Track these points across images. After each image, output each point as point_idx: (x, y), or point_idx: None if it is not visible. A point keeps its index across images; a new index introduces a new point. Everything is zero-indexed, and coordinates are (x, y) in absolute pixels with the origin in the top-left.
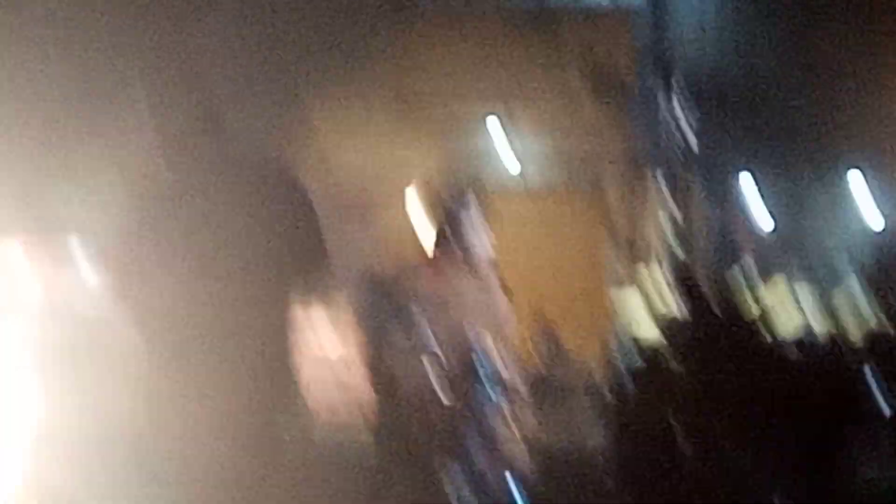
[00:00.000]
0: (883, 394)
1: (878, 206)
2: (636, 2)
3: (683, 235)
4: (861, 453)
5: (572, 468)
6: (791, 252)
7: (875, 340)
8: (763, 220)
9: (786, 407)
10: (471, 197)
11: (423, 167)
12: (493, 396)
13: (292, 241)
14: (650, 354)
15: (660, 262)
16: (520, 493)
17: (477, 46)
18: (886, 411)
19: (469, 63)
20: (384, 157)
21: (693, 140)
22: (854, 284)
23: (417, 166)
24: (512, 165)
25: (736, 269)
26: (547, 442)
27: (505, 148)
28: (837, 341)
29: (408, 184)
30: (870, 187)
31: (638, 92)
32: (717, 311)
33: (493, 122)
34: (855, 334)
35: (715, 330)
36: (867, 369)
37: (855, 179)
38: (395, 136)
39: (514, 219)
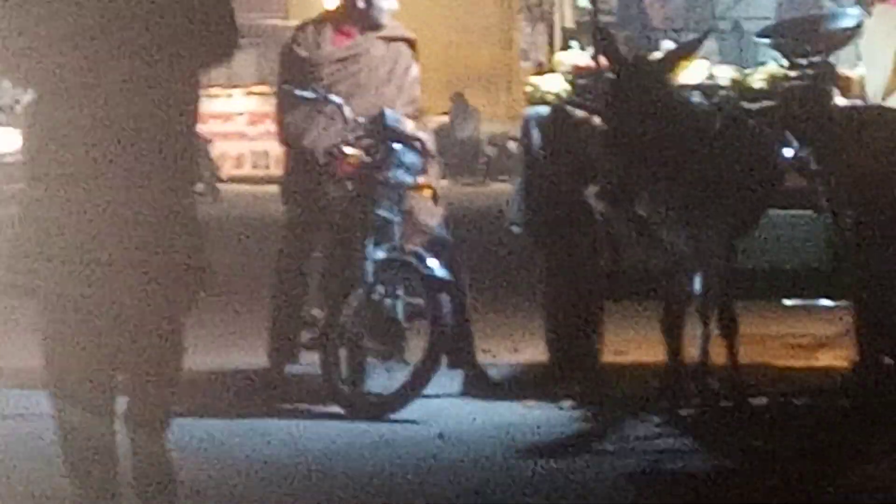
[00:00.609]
0: (788, 140)
1: None
2: None
3: (597, 9)
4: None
5: (480, 219)
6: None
7: (776, 86)
8: None
9: (694, 155)
10: None
11: None
12: (402, 153)
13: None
14: (559, 109)
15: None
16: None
17: None
18: (790, 153)
19: None
20: None
21: None
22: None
23: None
24: None
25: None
26: (455, 193)
27: None
28: (740, 88)
29: None
30: None
31: None
32: (629, 66)
33: None
34: (760, 83)
35: (626, 83)
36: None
37: None
38: None
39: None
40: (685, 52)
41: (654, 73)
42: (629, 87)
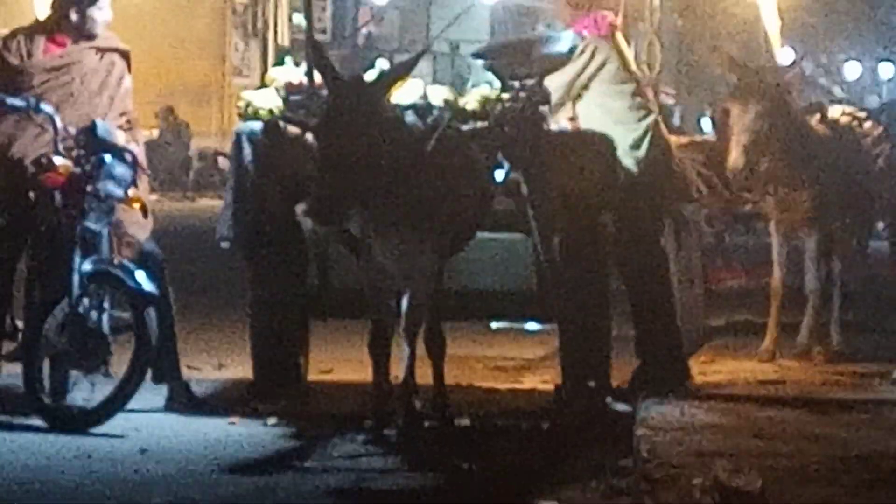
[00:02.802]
0: (499, 162)
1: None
2: None
3: (311, 26)
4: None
5: (189, 233)
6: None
7: (489, 108)
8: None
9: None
10: None
11: None
12: (112, 165)
13: None
14: (270, 125)
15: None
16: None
17: None
18: (501, 175)
19: None
20: None
21: None
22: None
23: None
24: None
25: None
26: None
27: None
28: (454, 110)
29: None
30: None
31: None
32: (342, 84)
33: None
34: (473, 104)
35: (338, 101)
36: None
37: None
38: None
39: (146, 11)
40: (399, 72)
41: (367, 92)
42: (341, 105)
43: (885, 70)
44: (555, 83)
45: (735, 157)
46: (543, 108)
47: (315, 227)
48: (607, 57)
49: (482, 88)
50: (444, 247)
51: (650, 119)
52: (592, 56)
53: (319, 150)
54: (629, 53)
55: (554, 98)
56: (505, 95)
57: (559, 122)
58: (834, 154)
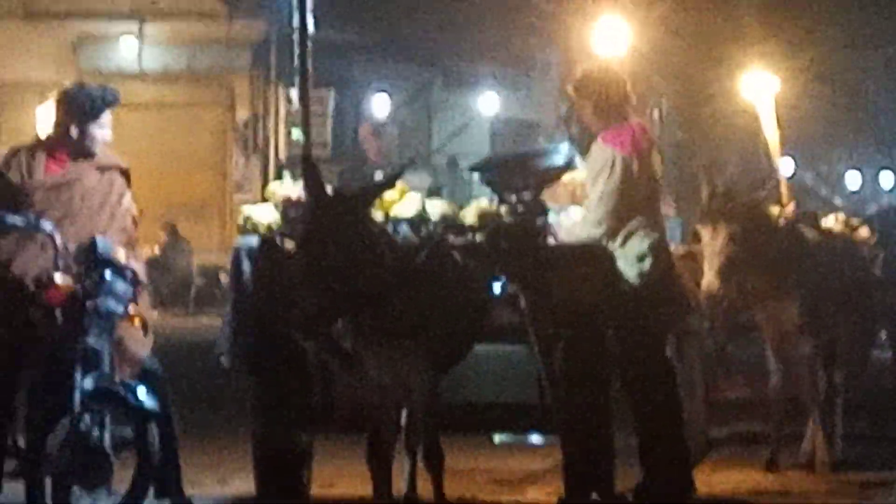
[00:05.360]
0: (497, 275)
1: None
2: None
3: (310, 143)
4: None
5: (190, 350)
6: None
7: (487, 221)
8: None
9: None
10: (104, 98)
11: (56, 83)
12: (113, 282)
13: None
14: (268, 240)
15: (285, 166)
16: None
17: None
18: (499, 288)
19: None
20: (16, 71)
21: (328, 56)
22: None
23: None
24: (150, 81)
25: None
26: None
27: (143, 64)
28: (451, 223)
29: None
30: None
31: (268, 6)
32: (327, 198)
33: (127, 40)
34: (471, 217)
35: (323, 215)
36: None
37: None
38: (29, 53)
39: (147, 129)
40: (383, 185)
41: (352, 205)
42: (326, 219)
43: (885, 179)
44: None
45: (709, 281)
46: (540, 222)
47: (304, 341)
48: (631, 174)
49: (480, 201)
50: (440, 360)
51: (657, 233)
52: (613, 167)
53: (303, 263)
54: (657, 167)
55: (597, 215)
56: (502, 209)
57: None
58: (826, 262)
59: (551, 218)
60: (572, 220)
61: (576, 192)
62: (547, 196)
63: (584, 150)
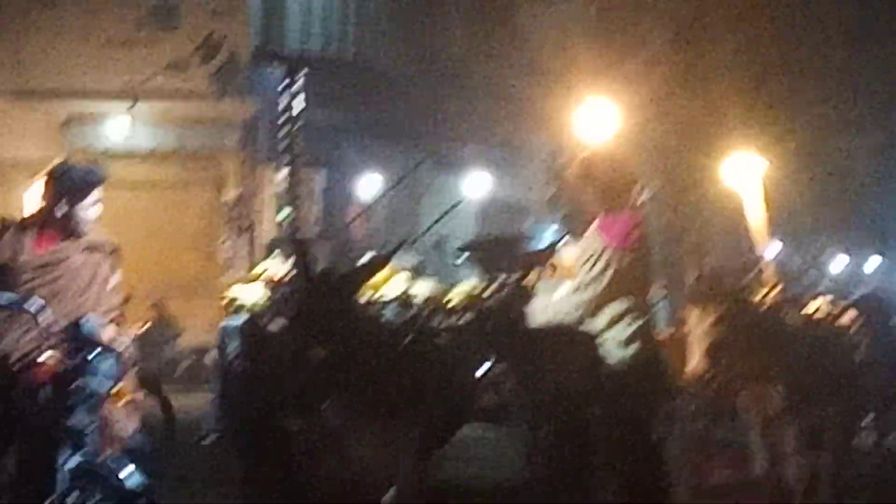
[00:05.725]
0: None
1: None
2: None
3: (298, 224)
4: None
5: (177, 428)
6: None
7: (474, 302)
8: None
9: (383, 369)
10: (91, 177)
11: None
12: (100, 361)
13: None
14: (255, 319)
15: (274, 246)
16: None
17: (107, 45)
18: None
19: (97, 61)
20: (5, 149)
21: (316, 137)
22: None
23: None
24: (138, 160)
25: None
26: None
27: (132, 143)
28: (436, 306)
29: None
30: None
31: (257, 86)
32: (316, 278)
33: (116, 119)
34: (458, 298)
35: (313, 295)
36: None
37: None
38: (18, 131)
39: (136, 208)
40: (372, 268)
41: (340, 287)
42: (314, 300)
43: (872, 264)
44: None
45: (696, 363)
46: (526, 304)
47: (292, 419)
48: (621, 266)
49: (467, 283)
50: (426, 440)
51: (644, 318)
52: (605, 259)
53: (291, 343)
54: (648, 258)
55: (580, 299)
56: (489, 291)
57: None
58: (810, 347)
59: (540, 291)
60: (558, 296)
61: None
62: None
63: (575, 231)
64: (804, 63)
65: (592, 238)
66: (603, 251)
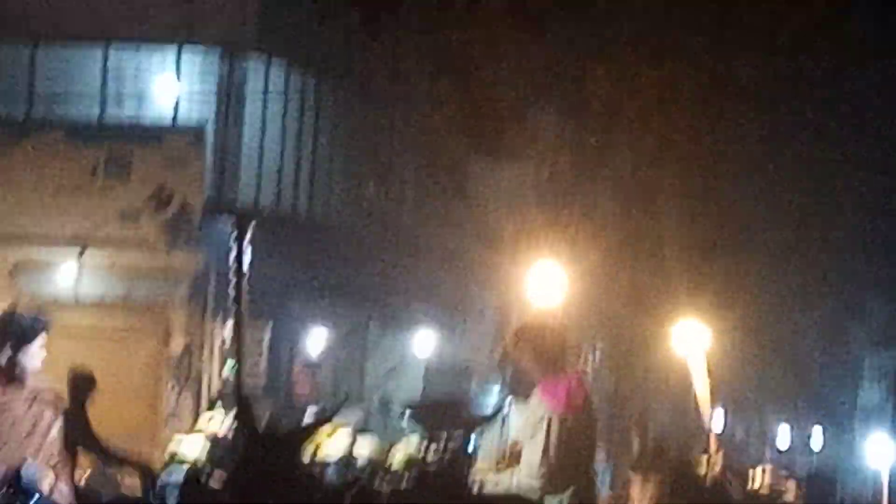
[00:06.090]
0: None
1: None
2: (208, 148)
3: (243, 378)
4: None
5: None
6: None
7: (414, 463)
8: (326, 369)
9: None
10: (36, 324)
11: None
12: None
13: None
14: (193, 473)
15: (218, 399)
16: None
17: (59, 192)
18: None
19: (49, 208)
20: None
21: (264, 291)
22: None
23: None
24: (86, 308)
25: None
26: None
27: (80, 291)
28: (378, 467)
29: None
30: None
31: (207, 239)
32: (259, 435)
33: (66, 267)
34: (399, 458)
35: (255, 452)
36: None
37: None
38: None
39: (82, 355)
40: (316, 425)
41: (283, 445)
42: (256, 457)
43: (816, 434)
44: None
45: None
46: (466, 468)
47: None
48: (565, 431)
49: (409, 444)
50: None
51: (588, 485)
52: (549, 424)
53: (231, 501)
54: (591, 421)
55: (531, 469)
56: (431, 453)
57: None
58: None
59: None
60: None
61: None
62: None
63: (519, 396)
64: (751, 235)
65: (535, 404)
66: (545, 417)
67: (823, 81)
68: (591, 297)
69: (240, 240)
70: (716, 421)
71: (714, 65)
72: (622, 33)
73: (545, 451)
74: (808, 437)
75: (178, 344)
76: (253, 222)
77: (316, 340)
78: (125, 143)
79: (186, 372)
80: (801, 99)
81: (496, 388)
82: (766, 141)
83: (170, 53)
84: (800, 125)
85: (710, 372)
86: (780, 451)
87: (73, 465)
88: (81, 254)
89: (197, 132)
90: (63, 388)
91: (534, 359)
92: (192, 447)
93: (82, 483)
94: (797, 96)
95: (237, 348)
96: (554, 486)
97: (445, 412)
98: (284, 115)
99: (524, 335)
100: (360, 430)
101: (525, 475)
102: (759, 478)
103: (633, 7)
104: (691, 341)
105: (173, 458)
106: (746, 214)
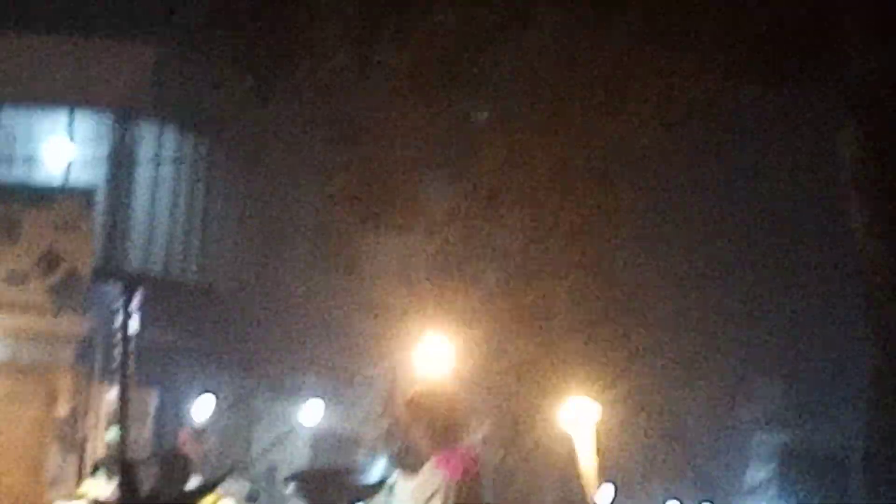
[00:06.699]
0: None
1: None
2: (98, 212)
3: (127, 443)
4: None
5: None
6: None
7: None
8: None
9: None
10: None
11: None
12: None
13: None
14: None
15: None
16: None
17: None
18: None
19: None
20: None
21: (151, 357)
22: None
23: None
24: None
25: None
26: None
27: None
28: None
29: None
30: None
31: (95, 303)
32: (139, 500)
33: None
34: None
35: None
36: None
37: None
38: None
39: None
40: (200, 493)
41: None
42: None
43: None
44: None
45: None
46: None
47: None
48: (459, 499)
49: None
50: None
51: None
52: (445, 492)
53: None
54: (483, 493)
55: None
56: None
57: None
58: None
59: None
60: None
61: None
62: None
63: (409, 468)
64: (643, 311)
65: (430, 472)
66: (443, 485)
67: (717, 151)
68: (479, 369)
69: (127, 304)
70: (603, 496)
71: (608, 136)
72: (516, 104)
73: None
74: None
75: (63, 408)
76: (141, 288)
77: (203, 407)
78: (15, 205)
79: (71, 437)
80: (694, 170)
81: (381, 462)
82: (658, 212)
83: (62, 116)
84: (691, 197)
85: (597, 447)
86: None
87: None
88: None
89: (88, 195)
90: None
91: (428, 429)
92: None
93: None
94: (690, 167)
95: (122, 414)
96: None
97: (331, 482)
98: (176, 181)
99: (417, 406)
100: (247, 500)
101: None
102: None
103: (527, 77)
104: (579, 416)
105: None
106: (637, 288)
